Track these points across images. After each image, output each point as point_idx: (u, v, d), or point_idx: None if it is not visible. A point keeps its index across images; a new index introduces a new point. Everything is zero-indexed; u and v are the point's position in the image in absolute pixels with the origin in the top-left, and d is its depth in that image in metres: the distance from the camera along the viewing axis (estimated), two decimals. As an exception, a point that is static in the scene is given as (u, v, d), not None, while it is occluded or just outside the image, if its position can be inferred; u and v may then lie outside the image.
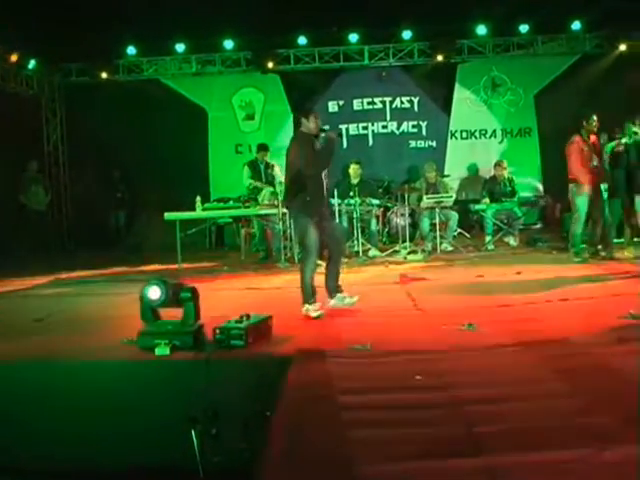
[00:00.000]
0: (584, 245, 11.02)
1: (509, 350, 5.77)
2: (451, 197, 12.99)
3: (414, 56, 16.27)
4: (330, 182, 8.31)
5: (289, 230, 12.13)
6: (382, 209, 14.07)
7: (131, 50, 16.10)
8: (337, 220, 11.25)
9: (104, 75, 16.14)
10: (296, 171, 7.58)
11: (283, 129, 16.76)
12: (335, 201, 12.16)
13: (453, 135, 16.79)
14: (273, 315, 6.80)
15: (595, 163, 10.65)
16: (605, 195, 11.13)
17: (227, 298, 9.02)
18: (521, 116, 16.73)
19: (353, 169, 13.36)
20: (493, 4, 14.47)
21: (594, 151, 10.70)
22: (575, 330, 6.23)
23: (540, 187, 16.19)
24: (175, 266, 11.80)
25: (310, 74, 16.52)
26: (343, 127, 15.67)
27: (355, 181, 13.32)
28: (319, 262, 11.51)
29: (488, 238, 13.06)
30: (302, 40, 15.92)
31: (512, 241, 13.34)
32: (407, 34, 15.88)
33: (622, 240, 11.29)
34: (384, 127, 16.84)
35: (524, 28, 15.66)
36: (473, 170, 16.46)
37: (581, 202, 10.67)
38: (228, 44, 15.94)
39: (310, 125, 7.66)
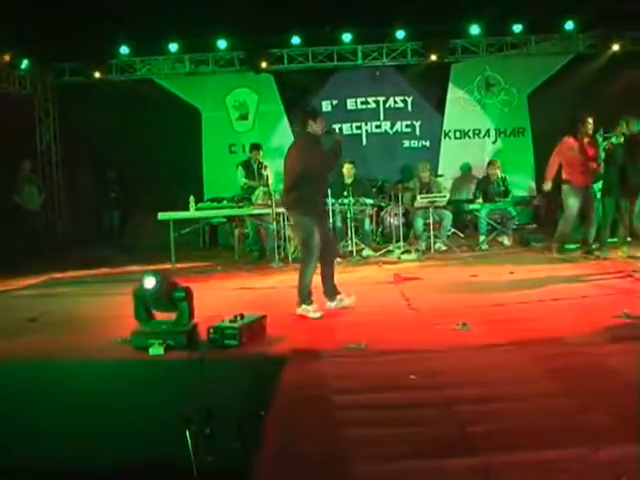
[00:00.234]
0: (574, 244, 11.35)
1: (503, 350, 5.78)
2: (445, 197, 12.99)
3: (407, 56, 16.26)
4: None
5: (283, 230, 12.13)
6: (376, 209, 14.07)
7: (124, 50, 16.06)
8: (331, 220, 11.24)
9: (97, 75, 16.10)
10: (302, 171, 7.60)
11: (277, 129, 16.77)
12: (329, 201, 12.15)
13: (447, 135, 16.78)
14: (267, 315, 6.81)
15: (589, 164, 10.79)
16: (599, 194, 11.22)
17: (221, 298, 9.01)
18: (514, 116, 16.73)
19: (347, 169, 13.35)
20: (486, 4, 14.49)
21: (587, 152, 10.80)
22: (569, 329, 6.25)
23: (534, 187, 16.18)
24: (169, 266, 11.78)
25: (304, 74, 16.49)
26: (337, 127, 15.62)
27: (349, 181, 13.32)
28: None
29: (482, 238, 13.08)
30: (296, 40, 15.91)
31: (506, 241, 13.35)
32: (400, 34, 15.87)
33: (616, 239, 11.31)
34: (378, 127, 16.84)
35: (517, 28, 15.66)
36: (467, 170, 16.46)
37: (572, 202, 10.83)
38: (221, 44, 15.92)
39: (317, 127, 7.75)
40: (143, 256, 13.48)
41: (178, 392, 4.90)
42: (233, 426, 4.05)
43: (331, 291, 7.86)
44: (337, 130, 15.39)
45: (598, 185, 11.24)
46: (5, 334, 7.31)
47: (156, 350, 6.07)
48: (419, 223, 12.91)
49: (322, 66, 16.39)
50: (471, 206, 13.53)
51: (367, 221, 12.99)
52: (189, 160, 16.47)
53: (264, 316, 6.73)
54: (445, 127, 16.76)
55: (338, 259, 10.16)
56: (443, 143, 16.74)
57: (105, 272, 12.11)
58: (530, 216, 15.55)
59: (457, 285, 9.23)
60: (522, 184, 16.02)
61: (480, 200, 13.36)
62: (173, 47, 16.01)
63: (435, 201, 12.70)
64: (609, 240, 11.11)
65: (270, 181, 12.71)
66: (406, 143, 16.82)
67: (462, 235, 14.44)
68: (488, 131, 16.78)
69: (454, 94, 16.73)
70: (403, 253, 12.30)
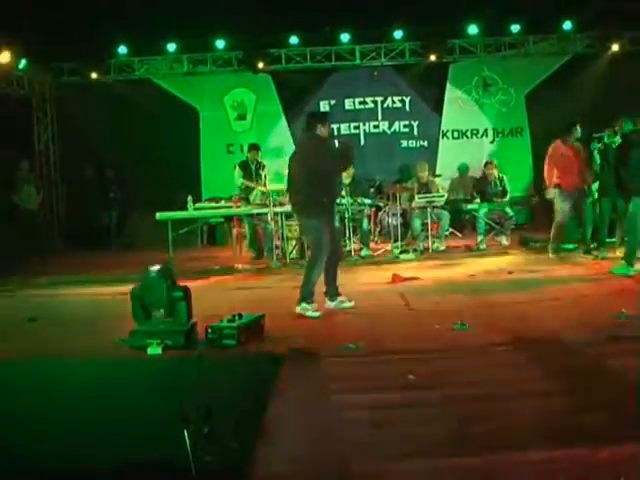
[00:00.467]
0: (571, 244, 11.45)
1: (501, 349, 5.79)
2: (443, 197, 12.98)
3: (405, 56, 16.27)
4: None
5: (280, 230, 12.11)
6: (374, 209, 14.05)
7: (122, 50, 16.05)
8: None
9: (95, 75, 16.08)
10: (313, 173, 7.67)
11: (275, 129, 16.78)
12: (344, 201, 12.16)
13: (445, 135, 16.80)
14: (265, 314, 6.80)
15: (579, 168, 10.93)
16: (596, 195, 11.26)
17: (219, 298, 9.01)
18: (512, 116, 16.75)
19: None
20: (484, 4, 14.49)
21: (576, 157, 10.93)
22: (567, 329, 6.25)
23: (531, 187, 16.18)
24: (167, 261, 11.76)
25: (302, 74, 16.49)
26: (335, 127, 15.65)
27: (347, 181, 13.26)
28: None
29: (480, 238, 13.07)
30: (294, 40, 15.90)
31: (504, 241, 13.34)
32: (398, 34, 15.87)
33: (614, 240, 11.32)
34: (376, 127, 16.84)
35: (515, 28, 15.67)
36: (464, 170, 16.46)
37: (562, 206, 10.97)
38: (219, 44, 15.91)
39: (325, 130, 7.90)
40: (141, 256, 13.48)
41: (176, 392, 4.90)
42: (231, 425, 4.06)
43: (333, 291, 7.90)
44: (335, 130, 15.55)
45: (595, 186, 11.26)
46: (4, 334, 7.31)
47: (154, 350, 6.07)
48: (417, 223, 12.90)
49: (320, 66, 16.39)
50: (469, 206, 13.52)
51: (365, 221, 12.97)
52: (187, 160, 16.48)
53: (262, 316, 6.73)
54: (443, 127, 16.77)
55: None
56: (441, 143, 16.76)
57: (103, 272, 12.07)
58: (528, 216, 15.56)
59: (455, 285, 9.24)
60: (520, 184, 16.00)
61: (478, 200, 13.35)
62: (171, 47, 16.00)
63: (433, 201, 12.69)
64: (607, 240, 11.12)
65: (268, 181, 12.72)
66: (404, 143, 16.83)
67: (460, 235, 14.44)
68: (486, 131, 16.80)
69: (452, 94, 16.74)
70: (401, 253, 12.29)
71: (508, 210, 13.32)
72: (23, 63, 15.17)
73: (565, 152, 10.99)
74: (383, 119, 16.81)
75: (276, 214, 11.82)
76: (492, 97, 16.74)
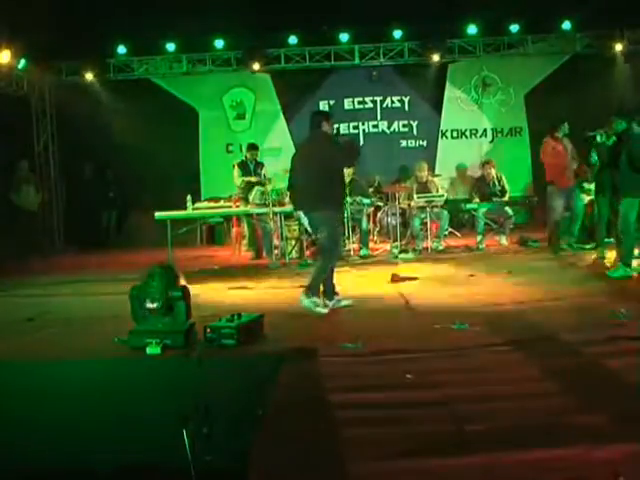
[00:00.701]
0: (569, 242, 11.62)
1: (500, 349, 5.80)
2: (442, 196, 12.99)
3: (405, 56, 16.26)
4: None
5: (280, 229, 12.11)
6: (373, 208, 14.06)
7: (121, 49, 16.05)
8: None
9: (94, 75, 16.08)
10: (327, 166, 7.77)
11: (274, 129, 16.79)
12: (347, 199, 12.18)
13: (444, 134, 16.81)
14: (264, 314, 6.81)
15: (570, 165, 11.09)
16: (593, 195, 11.32)
17: (218, 297, 9.01)
18: (512, 116, 16.76)
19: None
20: (483, 4, 14.49)
21: (566, 154, 11.03)
22: (565, 329, 6.25)
23: (530, 186, 16.18)
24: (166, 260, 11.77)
25: (301, 74, 16.49)
26: (334, 126, 15.61)
27: (346, 180, 13.29)
28: (308, 261, 11.62)
29: (479, 237, 13.07)
30: (293, 40, 15.90)
31: (503, 240, 13.35)
32: (398, 34, 15.88)
33: (612, 239, 11.32)
34: (375, 126, 16.86)
35: (514, 28, 15.68)
36: (464, 169, 16.48)
37: (557, 204, 11.12)
38: (219, 43, 15.92)
39: (329, 127, 8.09)
40: (140, 256, 13.50)
41: (175, 391, 4.91)
42: (230, 425, 4.06)
43: (331, 290, 7.91)
44: (334, 130, 15.56)
45: (593, 185, 11.31)
46: (3, 334, 7.32)
47: (153, 350, 6.07)
48: (416, 222, 12.91)
49: (319, 66, 16.38)
50: (468, 205, 13.52)
51: (364, 221, 12.97)
52: (186, 160, 16.49)
53: (261, 315, 6.73)
54: (442, 127, 16.79)
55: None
56: (440, 143, 16.77)
57: (103, 272, 12.07)
58: (527, 216, 15.57)
59: (454, 284, 9.24)
60: (519, 184, 16.00)
61: (477, 200, 13.36)
62: (170, 47, 16.01)
63: (432, 200, 12.71)
64: (606, 240, 11.12)
65: (267, 180, 12.72)
66: (403, 143, 16.84)
67: (459, 235, 14.45)
68: (485, 131, 16.81)
69: (451, 94, 16.76)
70: (400, 253, 12.30)
71: (507, 209, 13.33)
72: (22, 63, 15.15)
73: (555, 147, 11.17)
74: (382, 119, 16.83)
75: (275, 214, 11.82)
76: (491, 97, 16.76)
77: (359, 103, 16.81)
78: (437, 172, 15.24)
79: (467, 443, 3.82)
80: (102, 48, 15.93)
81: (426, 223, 12.73)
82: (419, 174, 13.44)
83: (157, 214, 11.63)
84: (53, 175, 16.78)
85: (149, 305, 6.32)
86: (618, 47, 15.33)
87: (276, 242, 12.26)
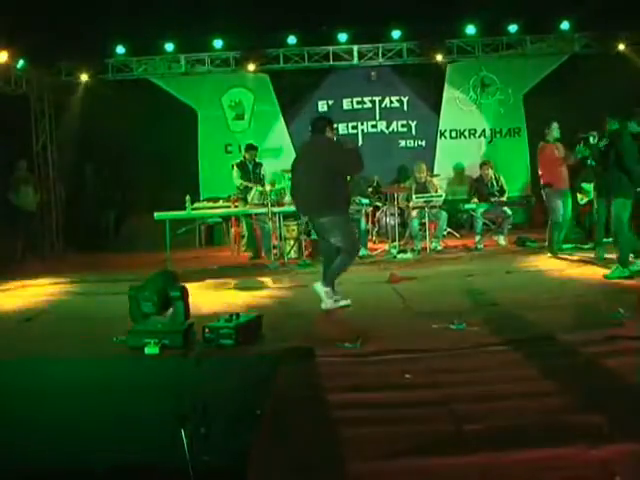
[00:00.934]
0: (569, 245, 11.72)
1: (498, 349, 5.80)
2: (440, 196, 12.99)
3: (403, 56, 16.25)
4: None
5: (278, 230, 12.12)
6: (372, 208, 14.07)
7: (120, 49, 16.02)
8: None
9: (93, 75, 16.07)
10: (334, 170, 7.81)
11: (273, 129, 16.78)
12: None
13: (442, 135, 16.80)
14: (262, 314, 6.82)
15: (564, 165, 11.20)
16: (591, 195, 11.36)
17: (216, 297, 9.02)
18: (510, 116, 16.76)
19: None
20: (482, 4, 14.49)
21: (560, 155, 11.10)
22: (564, 329, 6.26)
23: (529, 187, 16.19)
24: (165, 265, 11.77)
25: (299, 74, 16.48)
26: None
27: (345, 180, 13.30)
28: (307, 261, 11.63)
29: (477, 237, 13.08)
30: (291, 40, 15.87)
31: (501, 240, 13.36)
32: (396, 34, 15.86)
33: (610, 239, 11.33)
34: (374, 126, 16.85)
35: (513, 28, 15.67)
36: (462, 170, 16.49)
37: (557, 204, 11.22)
38: (217, 43, 15.89)
39: (332, 133, 8.22)
40: (139, 256, 13.52)
41: (173, 391, 4.90)
42: (229, 425, 4.07)
43: (330, 290, 7.93)
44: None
45: (591, 186, 11.35)
46: (2, 334, 7.32)
47: (152, 349, 6.08)
48: (415, 223, 12.91)
49: (318, 66, 16.36)
50: (467, 206, 13.54)
51: (363, 221, 12.97)
52: (185, 160, 16.46)
53: (259, 315, 6.74)
54: (441, 127, 16.78)
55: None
56: (439, 143, 16.76)
57: (101, 272, 12.07)
58: (525, 216, 15.58)
59: (453, 284, 9.24)
60: (517, 184, 16.02)
61: (475, 200, 13.37)
62: (169, 47, 15.98)
63: (431, 201, 12.71)
64: (604, 240, 11.13)
65: (266, 180, 12.73)
66: (402, 143, 16.84)
67: (458, 235, 14.46)
68: (484, 131, 16.81)
69: (450, 94, 16.75)
70: (399, 253, 12.30)
71: (506, 210, 13.34)
72: (21, 63, 15.14)
73: (550, 150, 11.25)
74: (381, 119, 16.82)
75: (274, 214, 11.82)
76: (490, 97, 16.75)
77: (358, 103, 16.81)
78: (436, 172, 15.27)
79: (466, 442, 3.83)
80: (101, 48, 15.89)
81: (424, 223, 12.73)
82: (418, 174, 13.46)
83: (156, 214, 11.64)
84: (51, 175, 16.76)
85: (146, 305, 6.33)
86: (617, 47, 15.33)
87: (275, 242, 12.26)
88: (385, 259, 12.11)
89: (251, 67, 16.01)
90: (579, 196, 12.70)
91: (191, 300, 6.53)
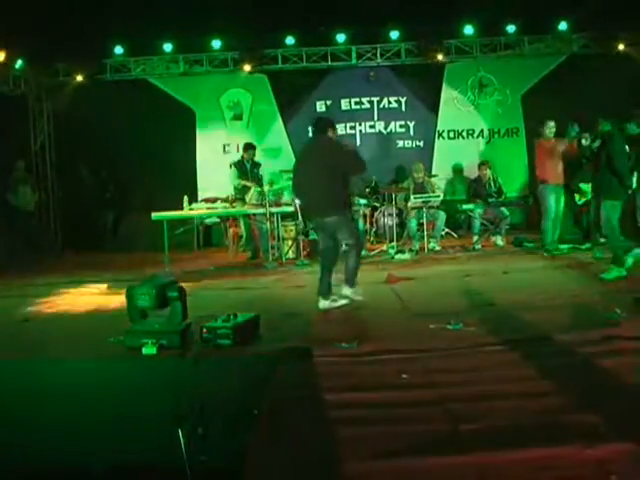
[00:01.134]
0: (566, 244, 11.77)
1: (495, 349, 5.82)
2: (438, 197, 13.01)
3: (402, 56, 16.25)
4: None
5: (276, 230, 12.13)
6: (370, 209, 14.08)
7: (118, 50, 16.01)
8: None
9: (91, 75, 16.06)
10: (337, 170, 7.91)
11: (271, 129, 16.77)
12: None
13: (440, 135, 16.79)
14: (260, 314, 6.83)
15: (559, 163, 11.29)
16: (589, 195, 11.39)
17: (214, 298, 9.02)
18: (508, 116, 16.75)
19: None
20: (480, 4, 14.49)
21: (556, 153, 11.17)
22: (561, 329, 6.27)
23: (527, 187, 16.19)
24: (163, 265, 11.78)
25: (298, 74, 16.47)
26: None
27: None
28: (305, 261, 11.65)
29: (475, 238, 13.10)
30: (290, 40, 15.86)
31: (499, 241, 13.37)
32: (394, 34, 15.86)
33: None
34: (372, 127, 16.84)
35: (511, 28, 15.66)
36: (460, 170, 16.49)
37: (551, 201, 11.31)
38: (216, 44, 15.88)
39: (334, 134, 8.36)
40: (137, 256, 13.53)
41: (171, 391, 4.91)
42: (226, 425, 4.07)
43: (327, 290, 7.93)
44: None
45: (587, 186, 11.38)
46: (-1, 334, 7.34)
47: (149, 349, 6.08)
48: (413, 223, 12.93)
49: (316, 66, 16.35)
50: (465, 206, 13.55)
51: (361, 221, 12.99)
52: (183, 160, 16.45)
53: (257, 316, 6.75)
54: (439, 127, 16.76)
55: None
56: (437, 143, 16.75)
57: (99, 272, 12.07)
58: (523, 216, 15.60)
59: (450, 285, 9.25)
60: (515, 184, 16.03)
61: (473, 200, 13.39)
62: (167, 47, 15.97)
63: (429, 201, 12.73)
64: (602, 240, 11.16)
65: (263, 181, 12.73)
66: (400, 143, 16.82)
67: (456, 235, 14.47)
68: (482, 131, 16.80)
69: (448, 94, 16.74)
70: (397, 253, 12.31)
71: (503, 210, 13.35)
72: (19, 63, 15.15)
73: (546, 147, 11.33)
74: (379, 119, 16.81)
75: (272, 214, 11.83)
76: (488, 97, 16.75)
77: (356, 104, 16.79)
78: (434, 173, 15.28)
79: (462, 442, 3.84)
80: (99, 48, 15.89)
81: (422, 224, 12.74)
82: (415, 175, 13.48)
83: (154, 214, 11.64)
84: (50, 175, 16.77)
85: (142, 298, 6.33)
86: (615, 48, 15.34)
87: (273, 242, 12.26)
88: (383, 259, 12.12)
89: (249, 67, 16.01)
90: (577, 196, 12.73)
91: (188, 300, 6.54)
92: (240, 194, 12.76)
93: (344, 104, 16.76)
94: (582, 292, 8.15)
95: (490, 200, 13.33)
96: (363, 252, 12.38)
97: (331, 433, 4.09)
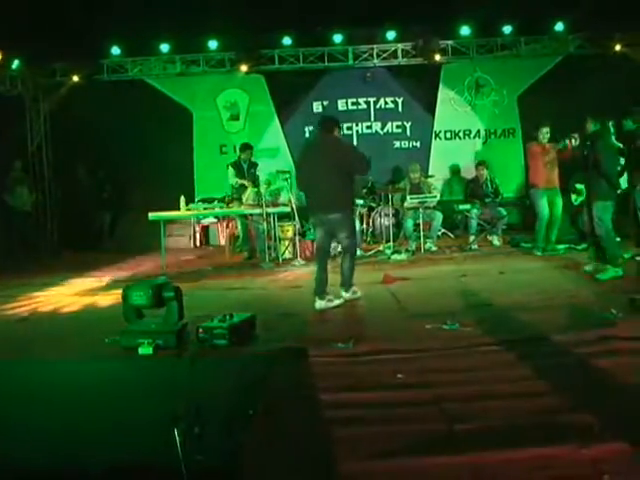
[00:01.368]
0: (562, 245, 11.81)
1: (491, 349, 5.82)
2: (435, 197, 13.02)
3: (398, 57, 16.27)
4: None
5: (273, 230, 12.13)
6: (366, 209, 14.10)
7: (115, 50, 16.00)
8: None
9: (88, 75, 16.06)
10: (343, 168, 8.10)
11: (268, 130, 16.78)
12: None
13: (437, 135, 16.81)
14: (256, 314, 6.83)
15: (552, 167, 11.34)
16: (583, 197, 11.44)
17: (211, 298, 9.03)
18: (505, 117, 16.77)
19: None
20: (477, 5, 14.50)
21: (548, 156, 11.23)
22: (557, 329, 6.28)
23: (523, 187, 16.19)
24: (159, 266, 11.79)
25: (295, 74, 16.46)
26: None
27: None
28: (301, 262, 11.65)
29: (472, 238, 13.11)
30: (286, 40, 15.87)
31: (496, 241, 13.39)
32: (391, 35, 15.88)
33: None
34: (368, 127, 16.85)
35: (507, 29, 15.67)
36: (457, 170, 16.52)
37: (542, 204, 11.37)
38: (212, 44, 15.88)
39: (339, 133, 8.58)
40: (134, 256, 13.53)
41: (167, 391, 4.92)
42: (222, 425, 4.08)
43: (323, 290, 7.97)
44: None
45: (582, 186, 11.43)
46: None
47: (145, 350, 6.09)
48: (409, 223, 12.93)
49: (313, 67, 16.35)
50: (461, 206, 13.56)
51: (358, 221, 12.99)
52: (180, 160, 16.44)
53: (253, 315, 6.75)
54: (435, 128, 16.78)
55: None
56: (433, 144, 16.76)
57: (96, 272, 12.07)
58: (520, 216, 15.60)
59: (447, 285, 9.26)
60: (512, 185, 16.05)
61: (470, 201, 13.41)
62: (164, 48, 15.97)
63: (425, 201, 12.73)
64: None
65: (260, 181, 12.74)
66: (397, 144, 16.83)
67: (452, 235, 14.48)
68: (478, 132, 16.81)
69: (444, 95, 16.75)
70: (393, 253, 12.32)
71: (500, 210, 13.37)
72: (16, 63, 15.15)
73: (537, 151, 11.44)
74: (376, 120, 16.82)
75: (269, 214, 11.83)
76: (484, 98, 16.77)
77: (353, 104, 16.80)
78: (431, 173, 15.29)
79: (457, 442, 3.85)
80: (96, 49, 15.89)
81: (419, 224, 12.75)
82: (412, 175, 13.49)
83: (151, 215, 11.63)
84: (47, 176, 16.76)
85: (138, 295, 6.34)
86: (611, 48, 15.36)
87: (269, 243, 12.26)
88: (379, 260, 12.13)
89: (246, 68, 16.01)
90: (573, 196, 12.75)
91: (185, 300, 6.54)
92: (237, 193, 12.76)
93: (341, 104, 16.77)
94: (578, 292, 8.15)
95: (487, 200, 13.35)
96: (359, 252, 12.47)
97: (327, 433, 4.09)
